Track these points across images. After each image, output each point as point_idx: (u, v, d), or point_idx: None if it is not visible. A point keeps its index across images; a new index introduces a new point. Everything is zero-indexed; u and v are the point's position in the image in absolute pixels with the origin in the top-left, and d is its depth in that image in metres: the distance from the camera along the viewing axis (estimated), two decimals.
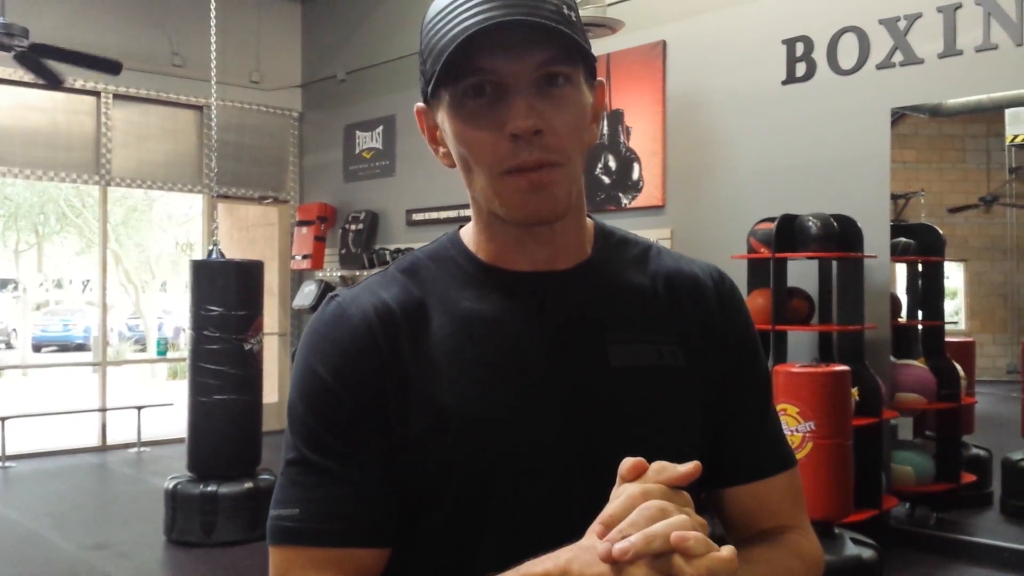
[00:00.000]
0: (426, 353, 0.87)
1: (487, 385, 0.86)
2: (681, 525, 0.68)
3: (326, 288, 8.05)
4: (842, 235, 4.62)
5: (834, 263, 4.79)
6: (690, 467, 0.72)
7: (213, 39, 5.75)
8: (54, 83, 5.89)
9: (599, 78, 0.90)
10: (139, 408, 8.02)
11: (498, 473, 0.84)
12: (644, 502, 0.70)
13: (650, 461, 0.78)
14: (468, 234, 0.94)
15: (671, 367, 0.91)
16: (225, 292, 5.10)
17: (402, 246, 7.64)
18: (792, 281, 4.77)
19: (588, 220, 0.96)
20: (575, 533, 0.75)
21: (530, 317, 0.89)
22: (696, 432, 0.92)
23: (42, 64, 5.53)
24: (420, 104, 0.92)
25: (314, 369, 0.87)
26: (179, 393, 7.01)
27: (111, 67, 5.76)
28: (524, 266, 0.91)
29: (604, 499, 0.77)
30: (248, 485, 4.94)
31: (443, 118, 0.87)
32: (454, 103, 0.84)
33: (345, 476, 0.84)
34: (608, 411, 0.88)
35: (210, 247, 5.47)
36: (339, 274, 8.25)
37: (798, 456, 3.97)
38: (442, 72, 0.81)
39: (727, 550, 0.69)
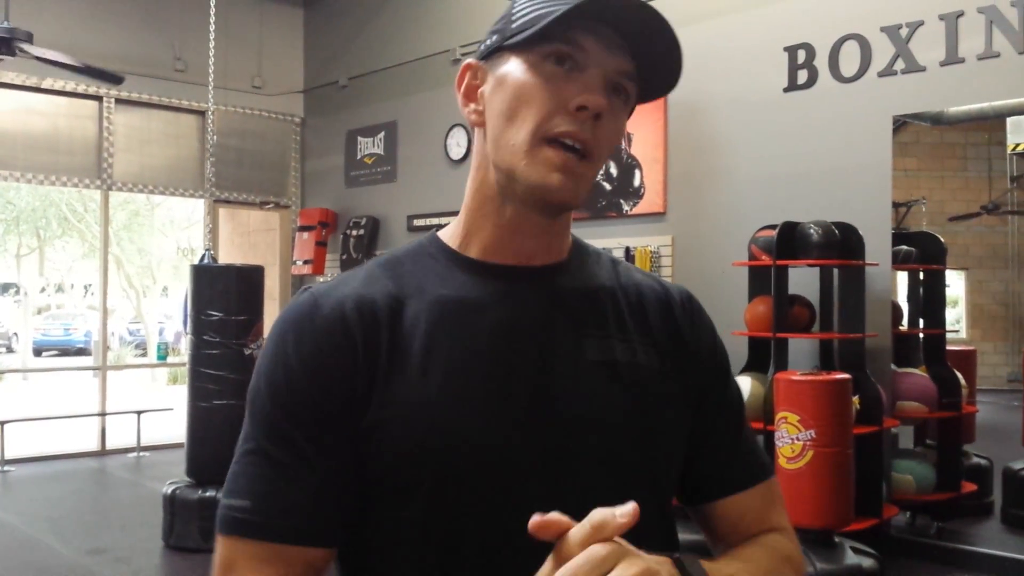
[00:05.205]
0: (400, 344, 0.86)
1: (460, 376, 0.85)
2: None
3: None
4: (843, 243, 4.61)
5: (835, 271, 4.78)
6: (628, 510, 0.66)
7: (212, 44, 5.76)
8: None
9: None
10: (139, 413, 8.02)
11: (470, 464, 0.83)
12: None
13: (626, 454, 0.80)
14: (447, 234, 0.94)
15: (646, 365, 0.92)
16: (225, 297, 5.10)
17: None
18: (793, 289, 4.76)
19: None
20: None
21: (505, 308, 0.88)
22: (670, 429, 0.92)
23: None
24: (472, 60, 0.91)
25: (284, 360, 0.85)
26: (179, 398, 7.00)
27: (113, 79, 5.76)
28: (500, 260, 0.90)
29: (580, 490, 0.80)
30: None
31: (508, 68, 0.86)
32: (532, 60, 0.85)
33: (300, 472, 0.83)
34: (584, 403, 0.87)
35: (203, 251, 5.48)
36: None
37: (799, 464, 3.99)
38: (546, 26, 0.81)
39: None
